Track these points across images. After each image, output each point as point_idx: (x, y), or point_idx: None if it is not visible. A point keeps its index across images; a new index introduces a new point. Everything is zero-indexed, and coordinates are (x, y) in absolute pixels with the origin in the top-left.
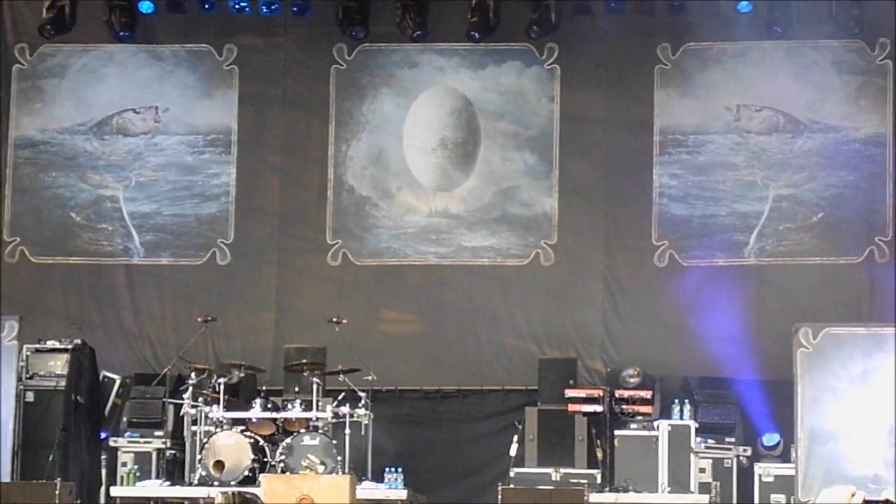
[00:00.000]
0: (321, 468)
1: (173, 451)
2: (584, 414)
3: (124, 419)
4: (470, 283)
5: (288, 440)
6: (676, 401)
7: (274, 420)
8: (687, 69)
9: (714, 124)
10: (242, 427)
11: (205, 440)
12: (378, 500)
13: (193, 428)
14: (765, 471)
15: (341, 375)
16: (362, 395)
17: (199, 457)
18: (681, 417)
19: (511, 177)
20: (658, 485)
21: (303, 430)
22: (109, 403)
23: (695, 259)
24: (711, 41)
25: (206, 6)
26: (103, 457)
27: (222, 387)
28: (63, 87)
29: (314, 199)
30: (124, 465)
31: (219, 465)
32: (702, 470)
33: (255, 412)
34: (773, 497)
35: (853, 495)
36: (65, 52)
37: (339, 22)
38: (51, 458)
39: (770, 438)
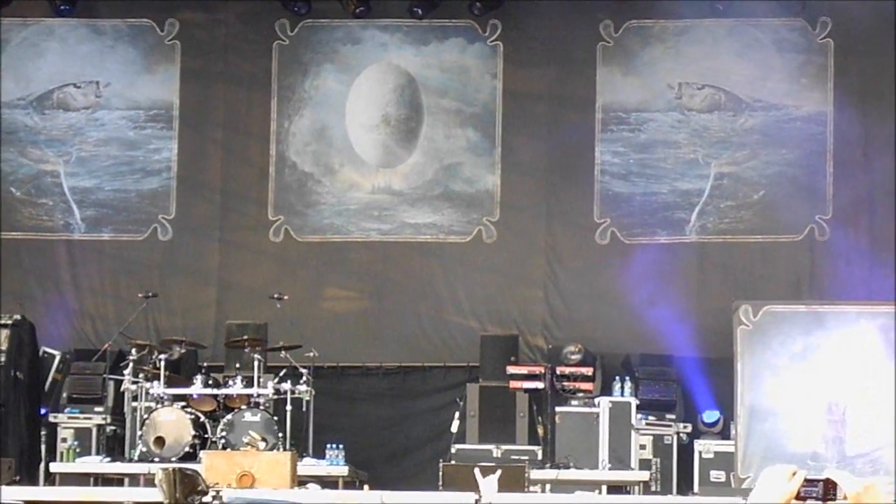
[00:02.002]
0: (262, 445)
1: (113, 427)
2: (526, 391)
3: (64, 395)
4: (412, 259)
5: (229, 416)
6: (617, 378)
7: (215, 396)
8: (629, 47)
9: (656, 102)
10: (183, 403)
11: (145, 416)
12: (319, 476)
13: (134, 404)
14: (705, 448)
15: (283, 352)
16: (304, 371)
17: (139, 433)
18: (622, 394)
19: (454, 154)
20: (599, 461)
21: (244, 407)
22: (49, 379)
23: (636, 237)
24: (654, 19)
25: None
26: (43, 433)
27: (163, 363)
28: (2, 62)
29: (256, 176)
30: (64, 440)
31: (159, 441)
32: (642, 447)
33: (196, 388)
34: (713, 474)
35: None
36: (4, 26)
37: None
38: None
39: (710, 415)
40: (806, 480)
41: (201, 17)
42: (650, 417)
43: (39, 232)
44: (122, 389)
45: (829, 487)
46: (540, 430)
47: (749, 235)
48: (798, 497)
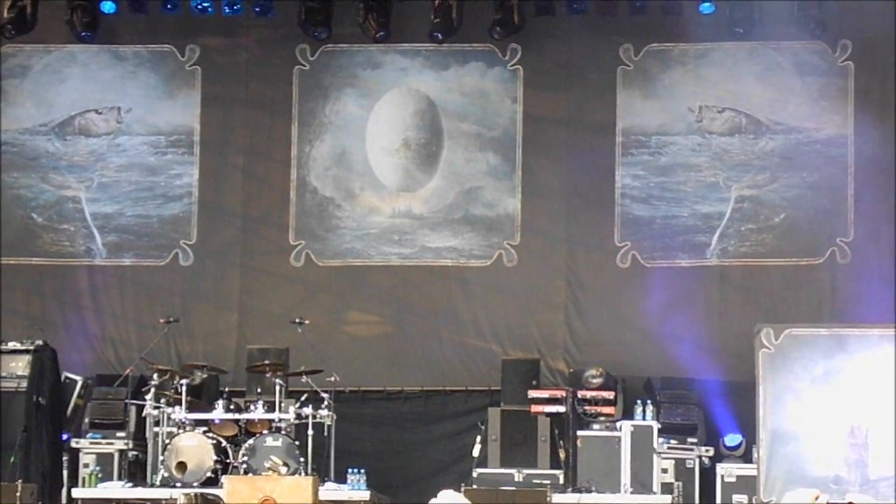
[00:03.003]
0: (284, 469)
1: (135, 453)
2: (547, 414)
3: (86, 420)
4: (433, 283)
5: (250, 441)
6: (639, 401)
7: (236, 421)
8: (649, 70)
9: (676, 125)
10: (205, 428)
11: (167, 441)
12: (341, 501)
13: (156, 429)
14: (727, 471)
15: (304, 376)
16: (325, 396)
17: (161, 458)
18: (643, 418)
19: (474, 177)
20: (620, 485)
21: (265, 432)
22: (71, 405)
23: (657, 260)
24: (674, 42)
25: (168, 6)
26: (65, 458)
27: (184, 388)
28: (24, 88)
29: (277, 200)
30: (86, 466)
31: (181, 466)
32: (664, 470)
33: (218, 413)
34: (735, 497)
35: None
36: (26, 53)
37: (301, 22)
38: (12, 460)
39: (732, 439)
40: None
41: (222, 43)
42: (672, 441)
43: (61, 257)
44: (143, 415)
45: None
46: (561, 454)
47: (770, 258)
48: None
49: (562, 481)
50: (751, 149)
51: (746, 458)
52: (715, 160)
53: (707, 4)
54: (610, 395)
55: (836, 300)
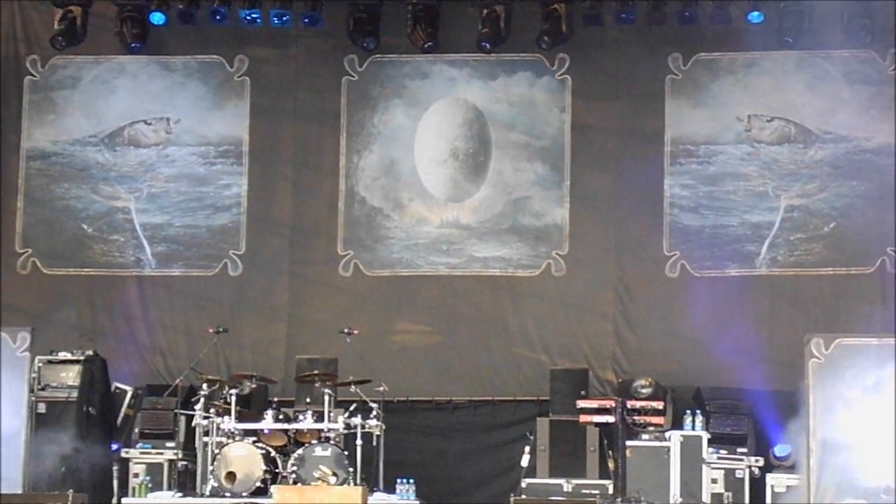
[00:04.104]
0: (333, 479)
1: (185, 463)
2: (596, 424)
3: (136, 430)
4: (481, 293)
5: (300, 451)
6: (688, 411)
7: (286, 431)
8: (698, 79)
9: (725, 134)
10: (254, 438)
11: (216, 451)
12: None
13: (205, 439)
14: (777, 481)
15: (353, 386)
16: (374, 405)
17: (210, 468)
18: (693, 428)
19: (522, 187)
20: (670, 495)
21: (314, 441)
22: (121, 415)
23: (706, 269)
24: (723, 51)
25: (218, 17)
26: (115, 468)
27: (234, 398)
28: (75, 99)
29: (326, 211)
30: (136, 476)
31: (230, 476)
32: (714, 480)
33: (267, 423)
34: None
35: None
36: (76, 64)
37: (350, 33)
38: (63, 470)
39: (782, 449)
40: None
41: (271, 54)
42: (722, 451)
43: (111, 268)
44: (193, 424)
45: None
46: (610, 464)
47: (820, 268)
48: None
49: (611, 491)
50: (800, 158)
51: (796, 468)
52: (764, 169)
53: (756, 14)
54: (659, 404)
55: (887, 309)
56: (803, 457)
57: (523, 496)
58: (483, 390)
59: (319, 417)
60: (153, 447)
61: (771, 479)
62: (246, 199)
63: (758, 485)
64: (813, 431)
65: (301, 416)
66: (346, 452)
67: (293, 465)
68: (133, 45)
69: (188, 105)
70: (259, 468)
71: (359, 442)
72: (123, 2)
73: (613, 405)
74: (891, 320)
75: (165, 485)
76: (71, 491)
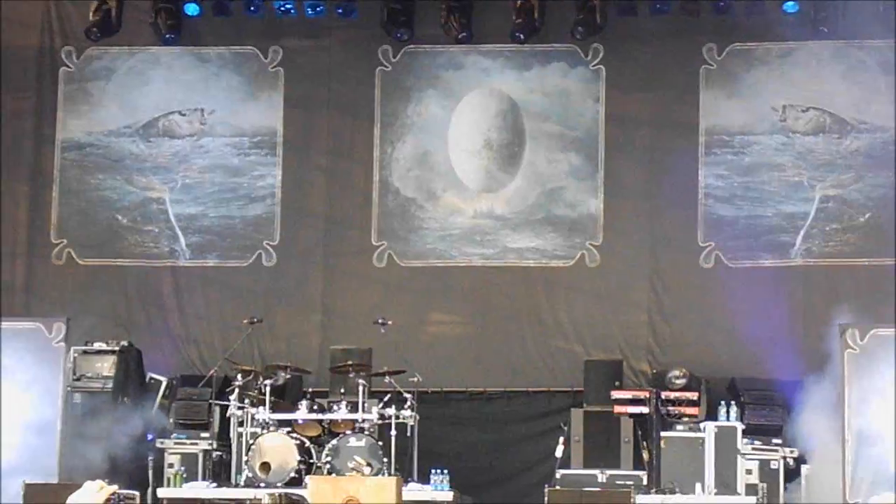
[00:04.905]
0: (367, 469)
1: (220, 453)
2: (630, 415)
3: (171, 421)
4: (515, 284)
5: (334, 441)
6: (723, 402)
7: (320, 421)
8: (733, 70)
9: (760, 125)
10: (288, 428)
11: (251, 442)
12: (424, 501)
13: (239, 429)
14: (811, 472)
15: (387, 377)
16: (408, 396)
17: (245, 458)
18: (727, 419)
19: (556, 178)
20: (704, 486)
21: (349, 432)
22: (156, 405)
23: (741, 260)
24: (757, 41)
25: (252, 8)
26: (150, 458)
27: (268, 388)
28: (109, 90)
29: (359, 201)
30: (171, 466)
31: (265, 466)
32: (748, 471)
33: (301, 414)
34: None
35: None
36: (111, 55)
37: (384, 24)
38: (98, 460)
39: None
40: None
41: (305, 44)
42: (756, 442)
43: (145, 259)
44: (227, 415)
45: None
46: (645, 455)
47: (855, 258)
48: None
49: (645, 482)
50: (835, 148)
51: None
52: (799, 160)
53: (791, 3)
54: (693, 395)
55: None
56: (838, 448)
57: (557, 487)
58: (517, 381)
59: (354, 408)
60: (188, 437)
61: (806, 469)
62: (280, 190)
63: (792, 476)
64: (848, 422)
65: (335, 407)
66: (380, 443)
67: (327, 455)
68: (168, 36)
69: (222, 96)
70: (293, 458)
71: (393, 432)
72: None
73: (648, 396)
74: None
75: (200, 475)
76: (106, 480)
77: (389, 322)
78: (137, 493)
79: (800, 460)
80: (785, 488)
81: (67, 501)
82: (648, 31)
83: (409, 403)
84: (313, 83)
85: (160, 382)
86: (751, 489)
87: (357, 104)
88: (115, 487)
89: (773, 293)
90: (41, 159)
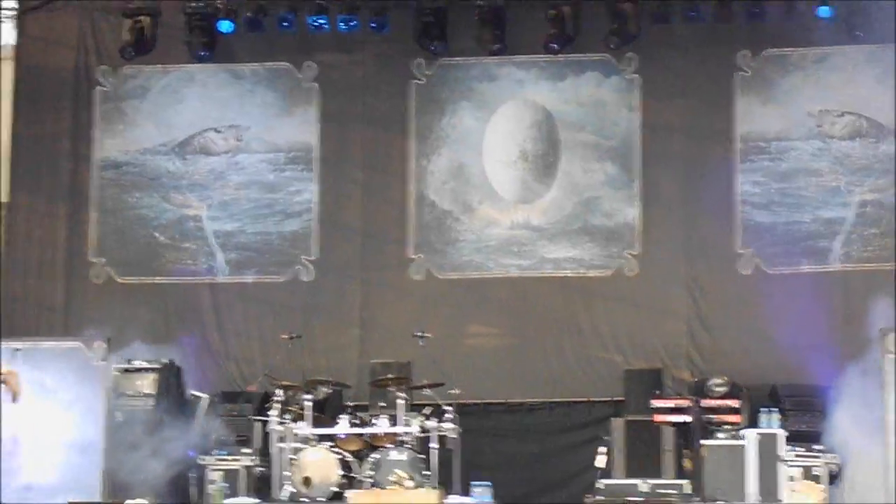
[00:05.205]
0: (409, 483)
1: (261, 469)
2: (672, 424)
3: (212, 437)
4: (553, 295)
5: (375, 455)
6: (764, 409)
7: (361, 436)
8: (768, 75)
9: (796, 130)
10: (329, 443)
11: (292, 457)
12: None
13: (281, 445)
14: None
15: (427, 390)
16: (448, 409)
17: (286, 473)
18: (769, 426)
19: (592, 187)
20: (747, 494)
21: (390, 445)
22: (197, 421)
23: (779, 266)
24: (792, 47)
25: (285, 24)
26: (192, 475)
27: (309, 403)
28: (144, 109)
29: (396, 215)
30: (213, 482)
31: (307, 481)
32: (791, 478)
33: (342, 428)
34: None
35: None
36: (146, 74)
37: (417, 37)
38: (140, 477)
39: None
40: None
41: (339, 59)
42: (798, 449)
43: (184, 276)
44: (268, 430)
45: None
46: (687, 464)
47: (894, 262)
48: None
49: (688, 491)
50: (872, 152)
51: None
52: (836, 165)
53: (825, 8)
54: (735, 403)
55: None
56: (881, 452)
57: (599, 497)
58: (557, 392)
59: (394, 421)
60: (229, 454)
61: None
62: (316, 205)
63: (835, 481)
64: (890, 426)
65: (376, 421)
66: (421, 456)
67: (369, 469)
68: (201, 53)
69: (257, 112)
70: (335, 473)
71: (434, 445)
72: (191, 11)
73: (689, 404)
74: None
75: (242, 491)
76: (149, 498)
77: (428, 335)
78: None
79: (842, 466)
80: (829, 493)
81: None
82: (682, 39)
83: (449, 416)
84: (348, 98)
85: (201, 399)
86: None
87: (392, 118)
88: None
89: (812, 299)
90: (78, 179)
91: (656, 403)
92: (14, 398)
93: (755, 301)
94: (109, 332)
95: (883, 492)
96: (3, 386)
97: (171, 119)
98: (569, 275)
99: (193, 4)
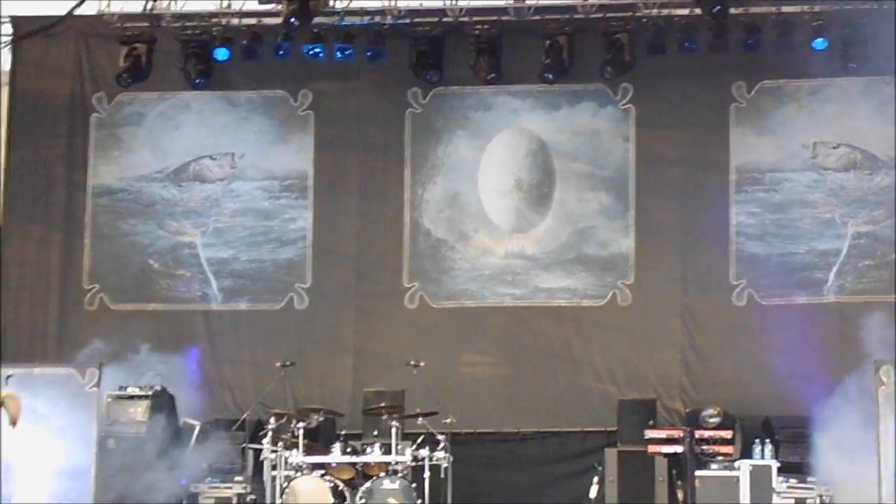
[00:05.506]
0: None
1: (253, 497)
2: (665, 455)
3: (204, 465)
4: (547, 324)
5: (368, 484)
6: (757, 440)
7: (353, 464)
8: (762, 107)
9: (791, 162)
10: (322, 471)
11: (285, 485)
12: None
13: (273, 473)
14: None
15: (420, 419)
16: (441, 437)
17: (279, 501)
18: (762, 457)
19: (587, 217)
20: None
21: (382, 474)
22: (189, 449)
23: (773, 297)
24: (787, 78)
25: (281, 52)
26: (184, 502)
27: (301, 431)
28: (140, 135)
29: (391, 243)
30: None
31: None
32: None
33: (335, 456)
34: None
35: None
36: (141, 101)
37: (413, 66)
38: None
39: None
40: None
41: (334, 87)
42: (791, 480)
43: (178, 303)
44: (261, 458)
45: None
46: (680, 495)
47: (888, 295)
48: None
49: None
50: (867, 184)
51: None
52: (830, 196)
53: (820, 40)
54: (728, 434)
55: None
56: (874, 485)
57: None
58: (550, 421)
59: (387, 450)
60: (222, 481)
61: None
62: (311, 233)
63: None
64: (884, 459)
65: (369, 449)
66: (414, 485)
67: (361, 497)
68: (197, 80)
69: (253, 140)
70: (327, 501)
71: (427, 474)
72: (187, 38)
73: (682, 435)
74: None
75: None
76: None
77: (422, 364)
78: None
79: (835, 498)
80: None
81: None
82: (677, 70)
83: (442, 445)
84: (343, 126)
85: (194, 426)
86: None
87: (387, 146)
88: None
89: (806, 330)
90: (73, 205)
91: (649, 434)
92: (13, 423)
93: (749, 332)
94: (102, 359)
95: None
96: (2, 410)
97: (167, 146)
98: (563, 304)
99: (189, 32)
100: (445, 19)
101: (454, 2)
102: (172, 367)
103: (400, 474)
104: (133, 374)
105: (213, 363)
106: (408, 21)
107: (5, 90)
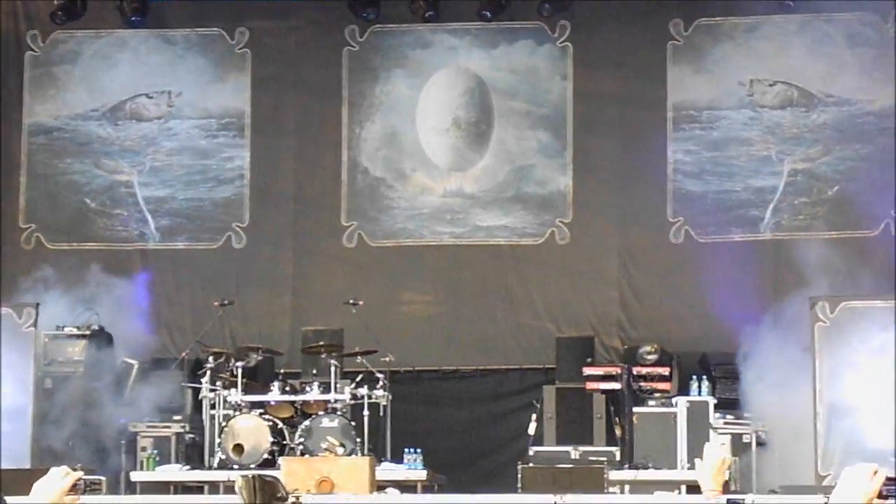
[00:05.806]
0: (340, 450)
1: (192, 436)
2: (603, 392)
3: (143, 404)
4: (486, 262)
5: (307, 423)
6: (694, 377)
7: (292, 403)
8: (699, 45)
9: (727, 99)
10: (261, 410)
11: (223, 424)
12: (398, 480)
13: (212, 412)
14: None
15: (359, 357)
16: (380, 376)
17: (218, 440)
18: (699, 394)
19: (525, 156)
20: (677, 461)
21: (321, 413)
22: (128, 388)
23: (710, 235)
24: (724, 16)
25: None
26: (123, 442)
27: (240, 370)
28: (76, 74)
29: (329, 182)
30: (144, 449)
31: (238, 448)
32: (721, 445)
33: (274, 395)
34: None
35: (875, 473)
36: (77, 39)
37: (350, 4)
38: (70, 444)
39: None
40: (888, 479)
41: (271, 25)
42: (728, 416)
43: (115, 242)
44: (200, 398)
45: None
46: (617, 431)
47: (824, 232)
48: (880, 496)
49: (618, 458)
50: (803, 122)
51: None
52: (767, 134)
53: None
54: (665, 371)
55: (892, 272)
56: (810, 421)
57: (531, 464)
58: (489, 359)
59: (326, 388)
60: (160, 420)
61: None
62: (249, 172)
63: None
64: (819, 395)
65: (307, 388)
66: (353, 423)
67: (300, 436)
68: (133, 18)
69: (189, 78)
70: (266, 440)
71: (366, 412)
72: None
73: (619, 372)
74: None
75: (173, 458)
76: (79, 465)
77: (360, 302)
78: (103, 479)
79: (771, 434)
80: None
81: (33, 487)
82: (615, 7)
83: (381, 383)
84: (280, 64)
85: (132, 365)
86: None
87: (324, 85)
88: (80, 473)
89: (743, 267)
90: (8, 144)
91: (587, 371)
92: None
93: (686, 269)
94: (39, 299)
95: (810, 458)
96: None
97: (103, 84)
98: (501, 242)
99: None
100: None
101: None
102: (110, 306)
103: (339, 413)
104: (70, 314)
105: (151, 302)
106: None
107: None
